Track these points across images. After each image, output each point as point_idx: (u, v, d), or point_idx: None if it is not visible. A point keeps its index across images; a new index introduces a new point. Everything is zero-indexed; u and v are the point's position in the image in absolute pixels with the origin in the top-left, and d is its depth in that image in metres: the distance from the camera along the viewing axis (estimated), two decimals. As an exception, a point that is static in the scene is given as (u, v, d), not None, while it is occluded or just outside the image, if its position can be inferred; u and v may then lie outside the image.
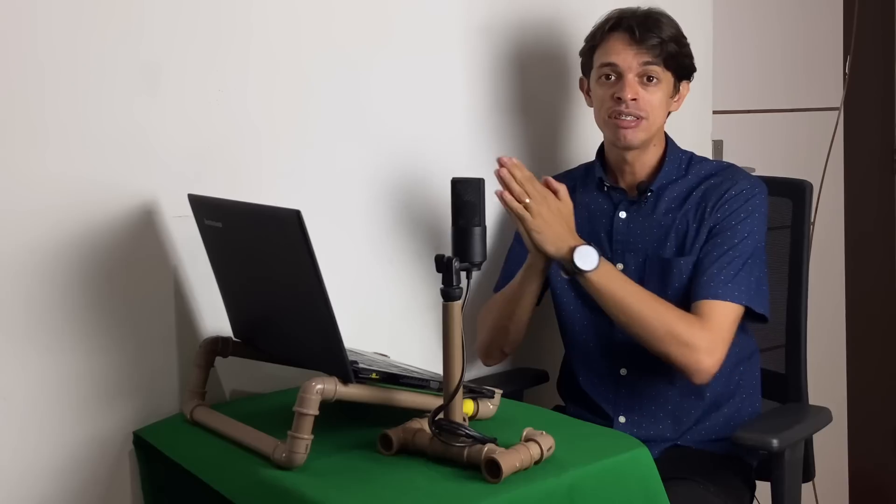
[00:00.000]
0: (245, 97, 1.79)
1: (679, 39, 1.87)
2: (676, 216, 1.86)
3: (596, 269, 1.74)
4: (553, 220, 1.76)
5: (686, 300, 1.82)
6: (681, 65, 1.88)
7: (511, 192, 1.75)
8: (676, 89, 1.89)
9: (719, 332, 1.76)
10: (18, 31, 1.56)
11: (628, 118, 1.83)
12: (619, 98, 1.83)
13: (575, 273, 1.76)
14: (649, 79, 1.84)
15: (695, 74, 1.94)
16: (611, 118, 1.85)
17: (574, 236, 1.78)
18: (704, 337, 1.75)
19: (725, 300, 1.77)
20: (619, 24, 1.86)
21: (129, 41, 1.65)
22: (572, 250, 1.74)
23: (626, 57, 1.83)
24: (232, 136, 1.78)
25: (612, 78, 1.85)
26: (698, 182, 1.88)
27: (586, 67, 1.94)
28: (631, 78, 1.83)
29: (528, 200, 1.74)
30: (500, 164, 1.75)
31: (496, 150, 2.13)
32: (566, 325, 1.98)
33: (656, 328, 1.75)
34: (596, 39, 1.90)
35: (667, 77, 1.85)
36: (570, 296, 1.95)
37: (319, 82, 1.87)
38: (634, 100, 1.82)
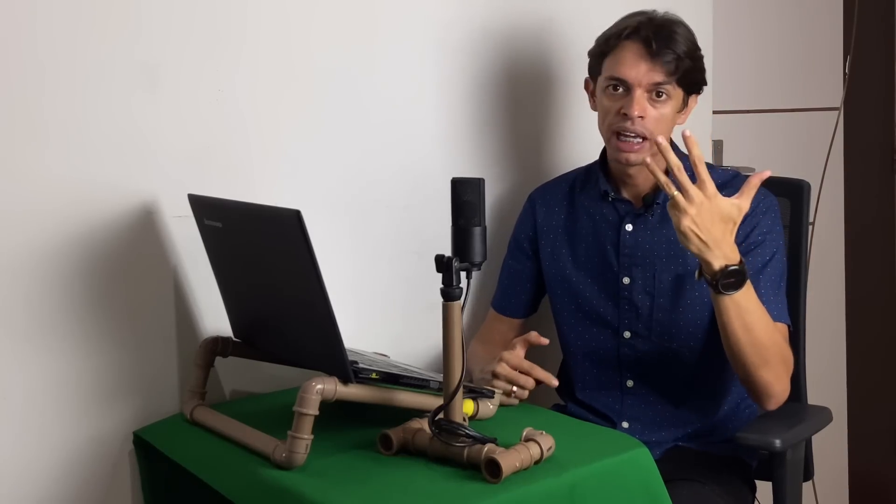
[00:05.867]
0: (245, 97, 1.79)
1: (694, 53, 1.79)
2: None
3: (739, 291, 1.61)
4: (712, 220, 1.57)
5: (699, 315, 1.81)
6: (692, 80, 1.81)
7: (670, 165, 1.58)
8: (685, 103, 1.83)
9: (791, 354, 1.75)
10: (17, 33, 1.56)
11: (632, 139, 1.77)
12: (626, 114, 1.76)
13: (713, 286, 1.61)
14: (658, 94, 1.77)
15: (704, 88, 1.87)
16: (614, 136, 1.78)
17: (731, 250, 1.59)
18: (792, 359, 1.73)
19: (783, 322, 1.75)
20: (636, 34, 1.76)
21: (127, 41, 1.65)
22: (723, 269, 1.59)
23: (637, 72, 1.75)
24: (232, 137, 1.78)
25: (620, 90, 1.78)
26: None
27: (594, 70, 1.86)
28: (639, 94, 1.75)
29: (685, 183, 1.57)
30: (684, 137, 1.60)
31: (496, 150, 2.13)
32: (568, 339, 1.94)
33: (770, 350, 1.67)
34: (609, 45, 1.80)
35: (677, 93, 1.79)
36: (570, 310, 1.92)
37: (319, 82, 1.87)
38: (641, 117, 1.76)
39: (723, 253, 1.59)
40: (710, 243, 1.58)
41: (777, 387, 1.70)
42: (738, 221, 1.60)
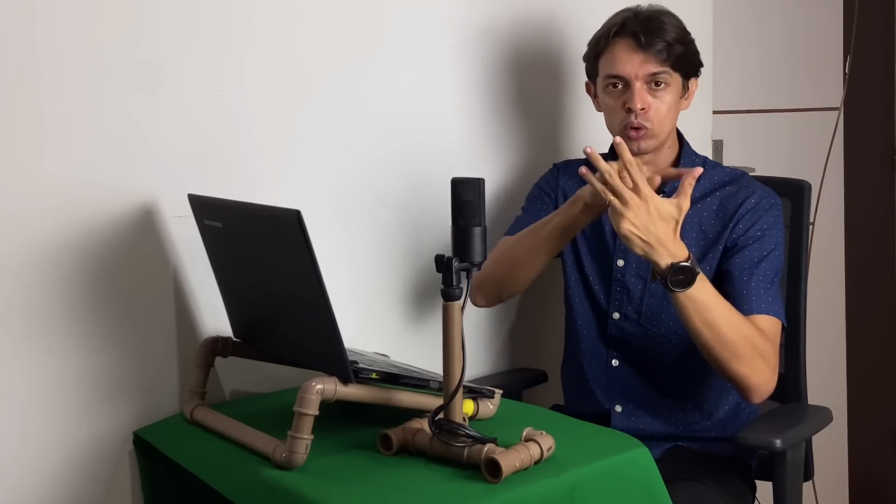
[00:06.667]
0: (245, 97, 1.79)
1: (684, 38, 1.84)
2: (692, 219, 1.84)
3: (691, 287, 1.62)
4: (651, 220, 1.59)
5: None
6: (688, 64, 1.85)
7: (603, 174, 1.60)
8: (686, 87, 1.87)
9: (776, 348, 1.73)
10: (17, 32, 1.56)
11: (637, 129, 1.81)
12: (630, 108, 1.80)
13: (664, 285, 1.64)
14: (657, 84, 1.81)
15: (702, 69, 1.91)
16: (624, 130, 1.82)
17: (677, 247, 1.61)
18: (773, 353, 1.72)
19: (772, 315, 1.74)
20: (623, 30, 1.82)
21: (127, 41, 1.65)
22: (671, 267, 1.60)
23: (632, 65, 1.80)
24: (232, 137, 1.78)
25: (620, 86, 1.83)
26: (713, 188, 1.87)
27: (592, 73, 1.91)
28: (639, 86, 1.80)
29: (619, 185, 1.59)
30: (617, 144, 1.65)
31: (495, 149, 2.13)
32: (570, 302, 1.97)
33: (737, 344, 1.66)
34: (600, 46, 1.86)
35: (675, 79, 1.83)
36: (576, 276, 1.95)
37: (319, 82, 1.87)
38: (643, 109, 1.80)
39: (668, 251, 1.61)
40: (652, 243, 1.60)
41: (754, 380, 1.70)
42: (681, 219, 1.62)
